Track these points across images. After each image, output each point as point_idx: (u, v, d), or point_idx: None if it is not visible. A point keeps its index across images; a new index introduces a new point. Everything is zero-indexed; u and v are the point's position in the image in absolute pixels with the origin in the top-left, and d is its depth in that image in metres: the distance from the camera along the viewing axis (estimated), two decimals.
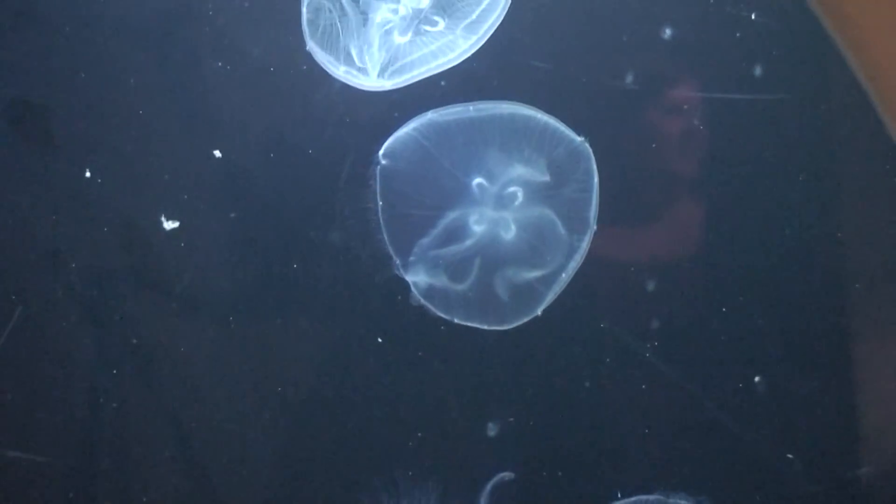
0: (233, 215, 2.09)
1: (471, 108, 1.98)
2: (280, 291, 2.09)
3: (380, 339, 2.08)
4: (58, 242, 2.05)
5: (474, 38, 1.97)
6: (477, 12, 1.95)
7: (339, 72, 1.98)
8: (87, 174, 2.03)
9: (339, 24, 1.96)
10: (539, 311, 2.04)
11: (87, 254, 2.06)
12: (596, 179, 1.99)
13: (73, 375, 2.06)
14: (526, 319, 2.04)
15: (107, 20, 2.02)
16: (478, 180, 2.00)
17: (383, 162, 1.99)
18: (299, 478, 2.14)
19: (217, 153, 2.05)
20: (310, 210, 2.07)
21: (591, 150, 1.98)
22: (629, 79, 2.03)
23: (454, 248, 2.01)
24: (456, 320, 2.04)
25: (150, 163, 2.06)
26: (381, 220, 2.00)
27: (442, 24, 1.99)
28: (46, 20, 2.01)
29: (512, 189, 2.01)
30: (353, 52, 1.97)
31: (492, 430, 2.09)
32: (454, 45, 1.98)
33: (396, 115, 2.01)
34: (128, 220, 2.06)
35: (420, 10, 1.97)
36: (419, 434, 2.10)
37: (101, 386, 2.06)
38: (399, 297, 2.04)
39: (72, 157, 2.05)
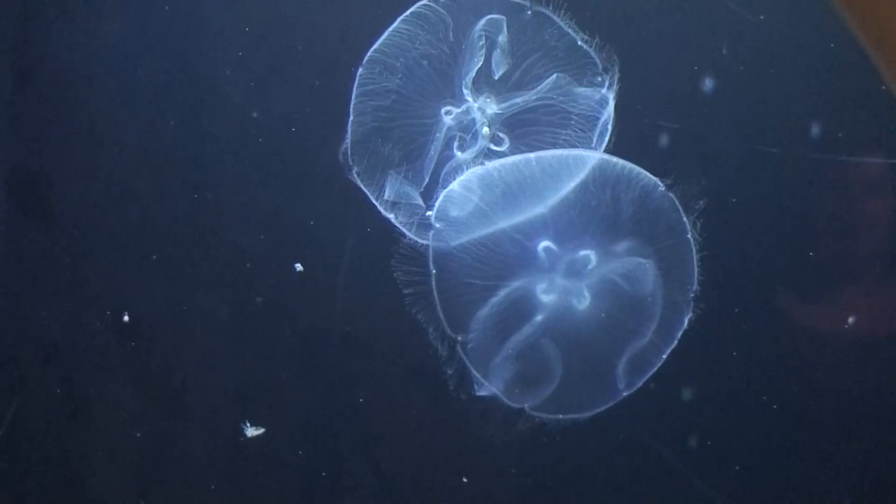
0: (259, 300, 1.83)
1: (532, 158, 1.71)
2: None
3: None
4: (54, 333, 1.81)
5: None
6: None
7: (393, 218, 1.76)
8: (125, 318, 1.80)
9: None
10: (624, 395, 1.72)
11: (83, 347, 1.81)
12: (688, 235, 1.69)
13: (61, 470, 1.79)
14: (608, 405, 1.72)
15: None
16: (544, 244, 1.72)
17: (436, 225, 1.72)
18: None
19: (299, 266, 1.81)
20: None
21: (675, 200, 1.69)
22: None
23: (525, 330, 1.71)
24: (527, 408, 1.72)
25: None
26: (435, 291, 1.71)
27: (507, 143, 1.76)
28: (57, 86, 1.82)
29: (584, 252, 1.72)
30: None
31: None
32: None
33: None
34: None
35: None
36: None
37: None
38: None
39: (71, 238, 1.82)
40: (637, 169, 1.68)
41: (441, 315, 1.72)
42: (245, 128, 1.81)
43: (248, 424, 1.83)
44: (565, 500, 1.84)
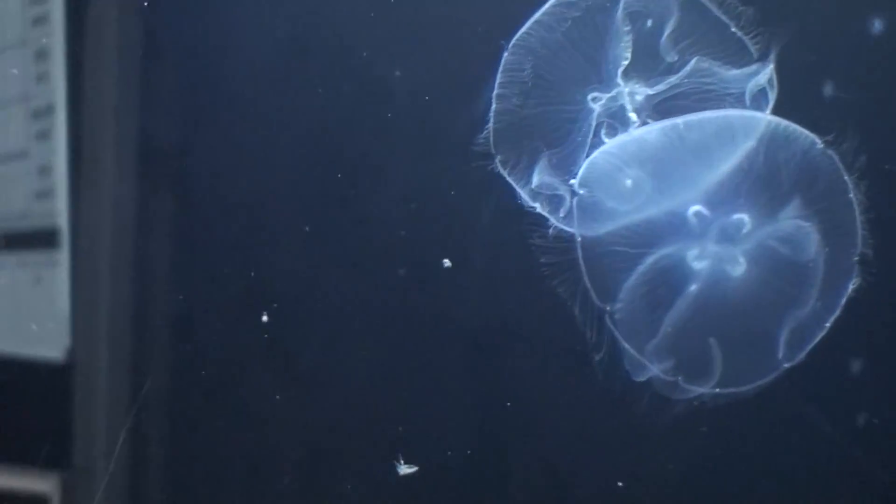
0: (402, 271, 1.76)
1: (679, 122, 1.63)
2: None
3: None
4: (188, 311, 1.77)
5: None
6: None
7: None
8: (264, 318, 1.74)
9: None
10: (785, 367, 1.62)
11: (219, 326, 1.76)
12: (850, 195, 1.59)
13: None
14: (769, 379, 1.62)
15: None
16: (695, 208, 1.64)
17: (580, 192, 1.65)
18: None
19: (447, 262, 1.74)
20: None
21: (836, 158, 1.60)
22: None
23: (678, 303, 1.63)
24: (681, 382, 1.63)
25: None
26: (581, 259, 1.64)
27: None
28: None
29: (738, 216, 1.63)
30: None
31: None
32: None
33: None
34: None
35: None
36: None
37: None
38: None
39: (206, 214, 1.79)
40: (793, 126, 1.60)
41: (588, 284, 1.65)
42: (385, 95, 1.76)
43: (402, 461, 1.76)
44: (723, 480, 1.73)
